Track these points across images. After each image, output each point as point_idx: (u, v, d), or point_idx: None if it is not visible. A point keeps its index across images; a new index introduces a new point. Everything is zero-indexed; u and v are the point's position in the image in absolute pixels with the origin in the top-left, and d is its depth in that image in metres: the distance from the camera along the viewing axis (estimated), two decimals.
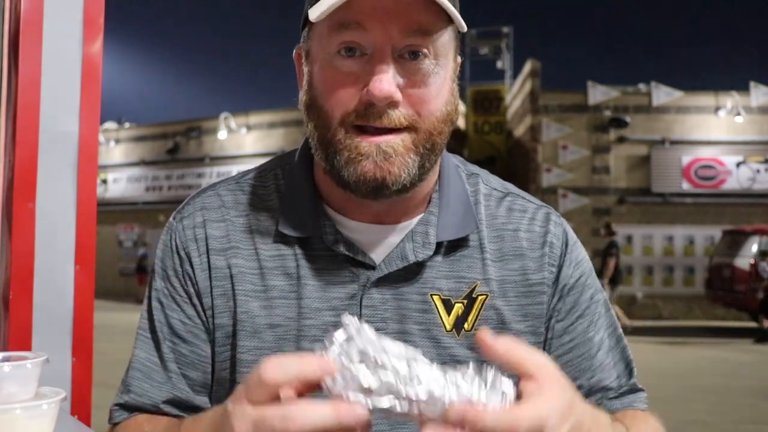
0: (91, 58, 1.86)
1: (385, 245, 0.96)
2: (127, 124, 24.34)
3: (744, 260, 12.93)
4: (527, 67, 17.70)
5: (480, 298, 0.96)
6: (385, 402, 0.60)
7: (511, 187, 1.07)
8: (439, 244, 0.96)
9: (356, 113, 0.86)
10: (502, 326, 0.96)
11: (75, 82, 1.85)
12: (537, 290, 0.97)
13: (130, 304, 18.65)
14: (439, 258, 0.96)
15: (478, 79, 23.16)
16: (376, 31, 0.83)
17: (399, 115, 0.85)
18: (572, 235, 1.03)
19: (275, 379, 0.61)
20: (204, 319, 0.98)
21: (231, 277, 0.96)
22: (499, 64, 22.21)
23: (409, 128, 0.87)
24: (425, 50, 0.85)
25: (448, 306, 0.95)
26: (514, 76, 20.54)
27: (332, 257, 0.95)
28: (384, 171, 0.86)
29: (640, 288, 16.56)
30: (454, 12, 0.84)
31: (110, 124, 23.96)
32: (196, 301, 0.98)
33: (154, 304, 1.00)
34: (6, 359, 0.83)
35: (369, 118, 0.85)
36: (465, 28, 0.87)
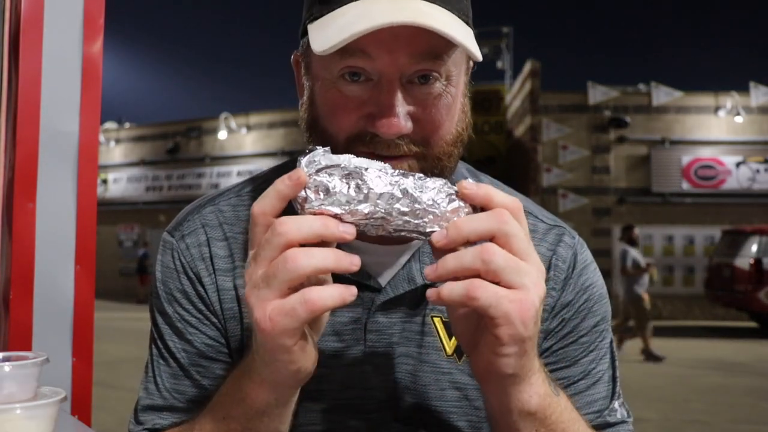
0: (91, 58, 1.86)
1: (391, 266, 0.92)
2: (127, 124, 24.35)
3: (744, 260, 12.92)
4: (527, 67, 17.69)
5: None
6: (364, 208, 0.67)
7: (524, 202, 1.01)
8: None
9: (360, 139, 0.81)
10: None
11: (75, 82, 1.85)
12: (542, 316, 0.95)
13: (130, 304, 18.65)
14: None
15: (478, 79, 23.02)
16: (384, 58, 0.78)
17: (407, 145, 0.81)
18: (584, 258, 0.98)
19: (288, 233, 0.65)
20: (227, 337, 0.94)
21: (238, 299, 0.93)
22: (499, 64, 22.18)
23: (417, 155, 0.83)
24: (436, 74, 0.80)
25: (450, 329, 0.90)
26: (514, 76, 20.53)
27: (335, 279, 0.93)
28: None
29: None
30: (470, 47, 0.77)
31: (110, 124, 23.97)
32: (214, 320, 0.94)
33: (165, 330, 0.95)
34: (6, 359, 0.83)
35: (375, 147, 0.81)
36: (480, 58, 0.80)
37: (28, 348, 1.72)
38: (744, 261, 12.92)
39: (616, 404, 0.97)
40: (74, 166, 1.84)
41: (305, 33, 0.84)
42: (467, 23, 0.82)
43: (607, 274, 16.01)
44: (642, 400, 6.72)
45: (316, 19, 0.81)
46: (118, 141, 23.44)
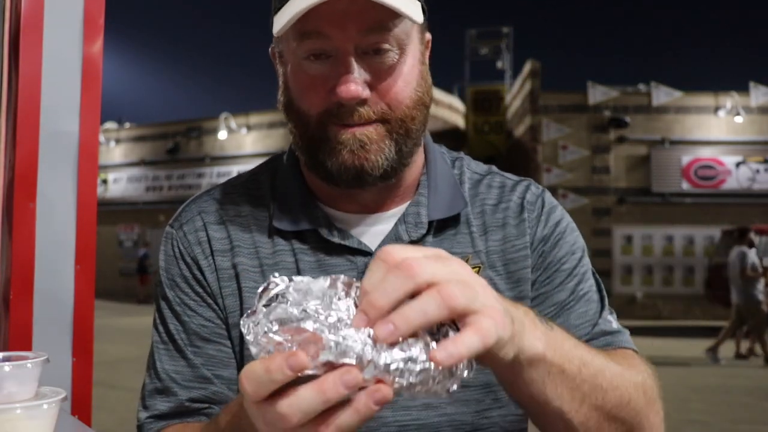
0: (91, 58, 1.87)
1: (379, 232, 0.99)
2: (127, 124, 24.35)
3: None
4: (527, 67, 17.69)
5: (473, 270, 0.96)
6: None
7: (492, 168, 1.10)
8: (430, 225, 0.98)
9: (329, 113, 0.89)
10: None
11: (75, 82, 1.85)
12: (521, 255, 1.00)
13: (130, 304, 18.65)
14: (429, 239, 0.98)
15: (478, 79, 23.17)
16: (336, 35, 0.86)
17: (369, 111, 0.89)
18: (550, 201, 1.05)
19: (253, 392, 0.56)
20: (223, 317, 0.99)
21: (236, 276, 0.98)
22: (499, 64, 22.24)
23: (381, 120, 0.90)
24: (386, 45, 0.87)
25: None
26: (514, 76, 20.56)
27: (329, 248, 0.97)
28: (361, 159, 0.89)
29: (639, 288, 16.56)
30: (406, 11, 0.84)
31: (110, 124, 23.97)
32: (211, 301, 0.99)
33: (167, 314, 1.00)
34: (6, 359, 0.83)
35: (342, 117, 0.89)
36: (420, 20, 0.87)
37: (28, 348, 1.72)
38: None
39: (609, 316, 1.01)
40: (74, 166, 1.84)
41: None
42: None
43: (606, 275, 16.03)
44: None
45: (278, 10, 0.89)
46: (118, 141, 23.44)
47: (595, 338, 0.97)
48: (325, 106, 0.89)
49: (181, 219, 1.04)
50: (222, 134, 20.94)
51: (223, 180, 1.13)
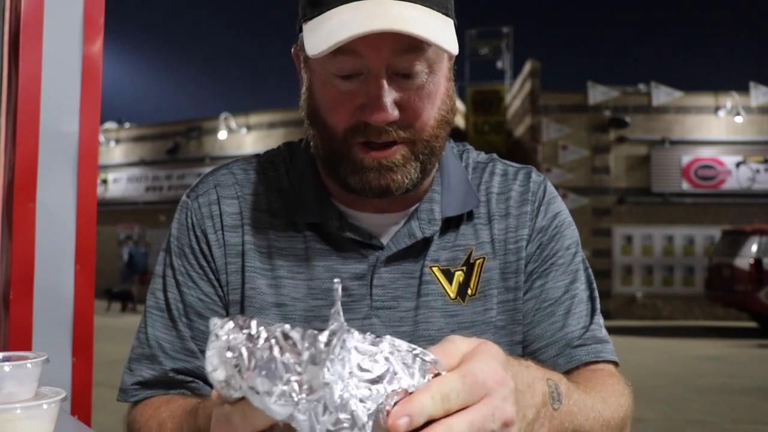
0: (91, 58, 1.87)
1: (392, 228, 1.00)
2: (127, 124, 24.32)
3: (744, 260, 12.92)
4: (527, 67, 17.69)
5: (478, 262, 1.01)
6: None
7: (493, 155, 1.13)
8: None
9: (355, 130, 0.90)
10: (500, 286, 1.01)
11: (75, 82, 1.85)
12: (519, 247, 1.02)
13: (129, 303, 18.62)
14: (436, 233, 1.00)
15: (478, 79, 23.16)
16: (370, 55, 0.86)
17: (396, 129, 0.89)
18: (551, 191, 1.07)
19: None
20: (221, 295, 1.01)
21: (243, 253, 1.00)
22: (499, 64, 22.18)
23: (405, 142, 0.91)
24: (418, 65, 0.88)
25: (449, 275, 1.00)
26: (514, 76, 20.54)
27: (340, 241, 0.99)
28: (387, 179, 0.91)
29: (639, 288, 16.55)
30: (444, 44, 0.84)
31: (110, 124, 23.94)
32: (212, 277, 1.01)
33: (169, 281, 1.03)
34: (6, 359, 0.83)
35: (369, 134, 0.89)
36: (456, 50, 0.87)
37: (28, 348, 1.72)
38: (744, 261, 12.91)
39: (600, 320, 1.04)
40: (74, 166, 1.84)
41: (301, 29, 0.92)
42: (446, 14, 0.89)
43: (606, 275, 16.03)
44: (642, 400, 6.72)
45: (309, 19, 0.89)
46: (118, 141, 23.42)
47: (587, 344, 1.00)
48: (352, 122, 0.90)
49: (198, 190, 1.06)
50: (222, 134, 20.93)
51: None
